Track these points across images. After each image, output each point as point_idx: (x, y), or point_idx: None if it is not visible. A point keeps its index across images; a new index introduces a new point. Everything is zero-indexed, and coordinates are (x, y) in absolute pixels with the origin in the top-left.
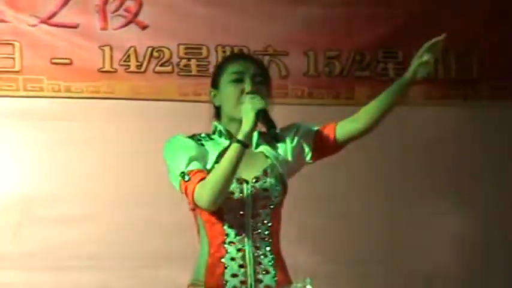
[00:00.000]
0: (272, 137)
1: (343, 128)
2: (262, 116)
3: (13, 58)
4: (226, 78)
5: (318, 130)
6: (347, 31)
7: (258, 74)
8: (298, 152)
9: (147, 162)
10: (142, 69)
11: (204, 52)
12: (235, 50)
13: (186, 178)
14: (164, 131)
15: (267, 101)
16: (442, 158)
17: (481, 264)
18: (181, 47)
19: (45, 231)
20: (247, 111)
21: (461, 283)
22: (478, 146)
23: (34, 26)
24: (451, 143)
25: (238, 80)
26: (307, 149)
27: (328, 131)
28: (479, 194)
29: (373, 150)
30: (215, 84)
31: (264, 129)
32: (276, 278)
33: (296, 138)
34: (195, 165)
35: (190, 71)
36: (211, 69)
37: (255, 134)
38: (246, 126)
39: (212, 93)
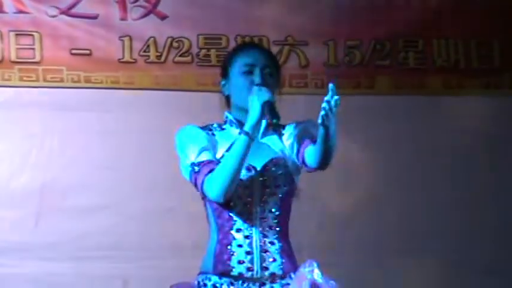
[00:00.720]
0: (279, 127)
1: (307, 158)
2: (268, 107)
3: (33, 49)
4: (237, 69)
5: (300, 144)
6: (367, 21)
7: (267, 66)
8: (291, 151)
9: (166, 153)
10: (162, 59)
11: (224, 42)
12: (255, 40)
13: (196, 169)
14: (183, 121)
15: (274, 93)
16: (462, 147)
17: None
18: (201, 37)
19: (65, 221)
20: (254, 103)
21: None
22: (499, 135)
23: (54, 16)
24: (472, 133)
25: (249, 72)
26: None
27: (302, 152)
28: (496, 184)
29: (399, 140)
30: (225, 74)
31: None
32: (282, 266)
33: (292, 138)
34: (204, 156)
35: (210, 61)
36: None
37: (263, 123)
38: (252, 118)
39: (222, 83)
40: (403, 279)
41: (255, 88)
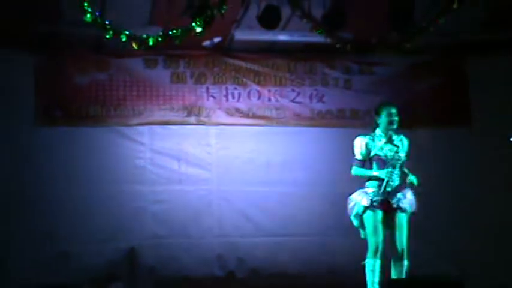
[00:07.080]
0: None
1: None
2: (385, 183)
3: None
4: (384, 113)
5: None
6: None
7: (396, 114)
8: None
9: (340, 148)
10: (324, 117)
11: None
12: None
13: (354, 162)
14: (347, 136)
15: (397, 125)
16: None
17: None
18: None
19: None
20: (382, 176)
21: None
22: None
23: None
24: None
25: (389, 115)
26: None
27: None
28: None
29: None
30: (378, 114)
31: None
32: (400, 187)
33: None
34: (360, 157)
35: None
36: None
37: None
38: (381, 185)
39: (375, 117)
40: None
41: (387, 174)
